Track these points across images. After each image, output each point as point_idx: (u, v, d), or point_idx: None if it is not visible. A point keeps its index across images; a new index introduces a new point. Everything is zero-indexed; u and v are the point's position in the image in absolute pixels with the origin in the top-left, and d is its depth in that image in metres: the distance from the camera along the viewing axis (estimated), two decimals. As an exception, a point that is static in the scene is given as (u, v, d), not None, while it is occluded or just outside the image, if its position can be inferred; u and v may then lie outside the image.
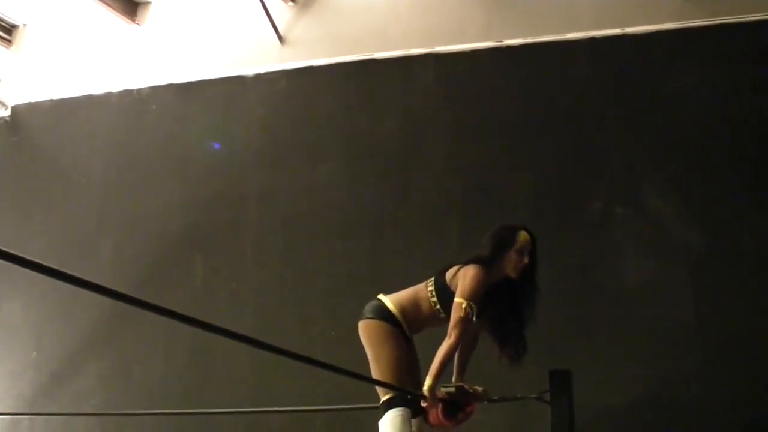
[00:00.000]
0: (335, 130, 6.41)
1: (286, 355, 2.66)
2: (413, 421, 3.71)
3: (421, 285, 3.92)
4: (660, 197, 5.52)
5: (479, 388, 3.91)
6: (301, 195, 6.34)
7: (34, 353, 6.77)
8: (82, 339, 6.60)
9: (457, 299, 3.67)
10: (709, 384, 5.14)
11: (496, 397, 4.05)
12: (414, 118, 6.25)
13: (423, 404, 3.70)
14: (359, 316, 3.93)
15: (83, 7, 7.06)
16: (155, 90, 6.97)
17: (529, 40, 6.03)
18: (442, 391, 3.73)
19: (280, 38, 6.68)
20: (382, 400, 3.73)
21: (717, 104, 5.57)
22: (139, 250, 6.63)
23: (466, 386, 3.86)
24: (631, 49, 5.82)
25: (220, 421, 6.06)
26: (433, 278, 3.89)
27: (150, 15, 7.19)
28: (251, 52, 6.77)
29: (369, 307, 3.92)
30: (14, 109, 7.41)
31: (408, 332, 3.88)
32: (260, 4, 6.42)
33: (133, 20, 7.16)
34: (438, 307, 3.82)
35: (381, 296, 3.94)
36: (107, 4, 6.89)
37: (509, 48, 6.09)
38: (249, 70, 6.72)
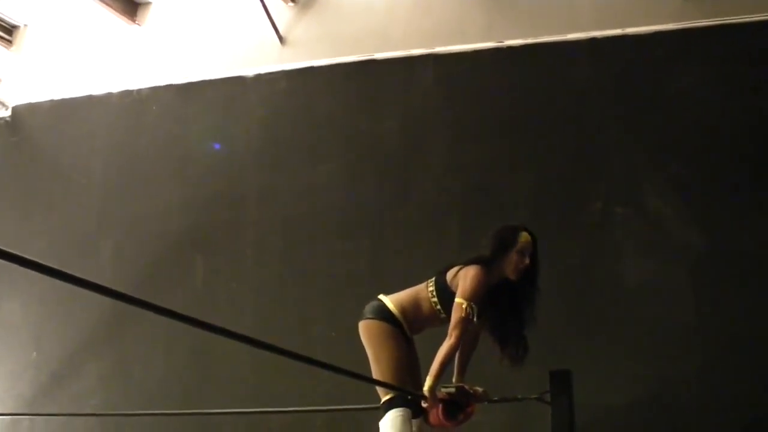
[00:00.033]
0: (335, 130, 6.41)
1: (286, 355, 2.66)
2: (414, 421, 3.70)
3: (422, 285, 3.91)
4: (660, 197, 5.52)
5: (479, 389, 3.91)
6: (301, 195, 6.34)
7: (34, 353, 6.77)
8: (82, 339, 6.60)
9: (457, 300, 3.67)
10: (709, 384, 5.15)
11: (496, 398, 4.06)
12: (414, 118, 6.25)
13: (423, 404, 3.69)
14: (359, 316, 3.92)
15: (83, 7, 7.06)
16: (155, 90, 6.97)
17: (530, 40, 6.04)
18: (443, 391, 3.73)
19: (281, 38, 6.68)
20: (382, 401, 3.73)
21: (717, 104, 5.58)
22: (139, 250, 6.64)
23: (466, 387, 3.86)
24: (631, 49, 5.82)
25: (220, 421, 6.05)
26: (433, 278, 3.88)
27: (150, 15, 7.19)
28: (251, 52, 6.77)
29: (369, 307, 3.91)
30: (14, 109, 7.41)
31: (408, 332, 3.88)
32: (260, 4, 6.42)
33: (133, 20, 7.16)
34: (438, 307, 3.82)
35: (381, 296, 3.93)
36: (107, 5, 6.89)
37: (510, 48, 6.10)
38: (249, 71, 6.72)
